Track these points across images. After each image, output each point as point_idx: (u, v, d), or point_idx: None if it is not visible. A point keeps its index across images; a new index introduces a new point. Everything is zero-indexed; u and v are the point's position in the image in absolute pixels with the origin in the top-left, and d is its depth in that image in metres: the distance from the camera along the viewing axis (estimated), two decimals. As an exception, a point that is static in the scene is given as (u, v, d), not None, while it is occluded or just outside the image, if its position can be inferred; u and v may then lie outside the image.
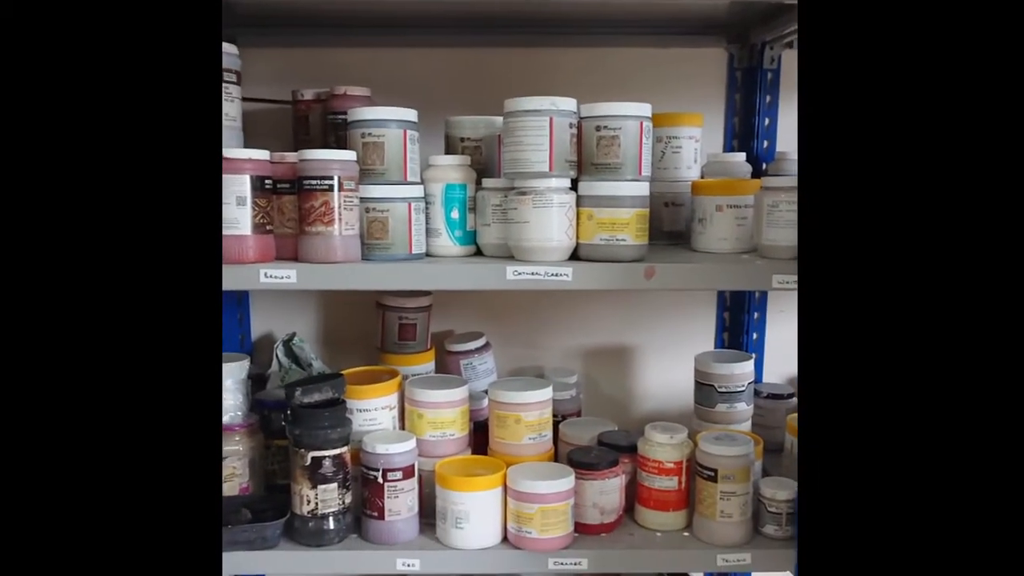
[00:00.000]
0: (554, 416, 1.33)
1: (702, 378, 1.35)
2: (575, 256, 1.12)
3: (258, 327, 1.55)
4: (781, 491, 1.19)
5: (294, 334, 1.45)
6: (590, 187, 1.10)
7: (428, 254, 1.17)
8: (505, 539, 1.19)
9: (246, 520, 1.19)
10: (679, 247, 1.27)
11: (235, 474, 1.24)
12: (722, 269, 1.11)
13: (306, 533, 1.17)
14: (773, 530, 1.20)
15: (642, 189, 1.10)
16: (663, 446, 1.21)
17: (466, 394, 1.26)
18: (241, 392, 1.26)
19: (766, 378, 1.55)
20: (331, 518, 1.17)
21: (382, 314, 1.41)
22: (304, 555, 1.17)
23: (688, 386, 1.42)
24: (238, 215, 1.06)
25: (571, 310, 1.55)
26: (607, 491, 1.21)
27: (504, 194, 1.14)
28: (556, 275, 1.08)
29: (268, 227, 1.10)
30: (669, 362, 1.56)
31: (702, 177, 1.32)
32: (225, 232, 1.06)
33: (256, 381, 1.41)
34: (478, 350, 1.45)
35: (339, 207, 1.08)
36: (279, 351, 1.44)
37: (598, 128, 1.11)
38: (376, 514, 1.18)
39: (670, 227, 1.30)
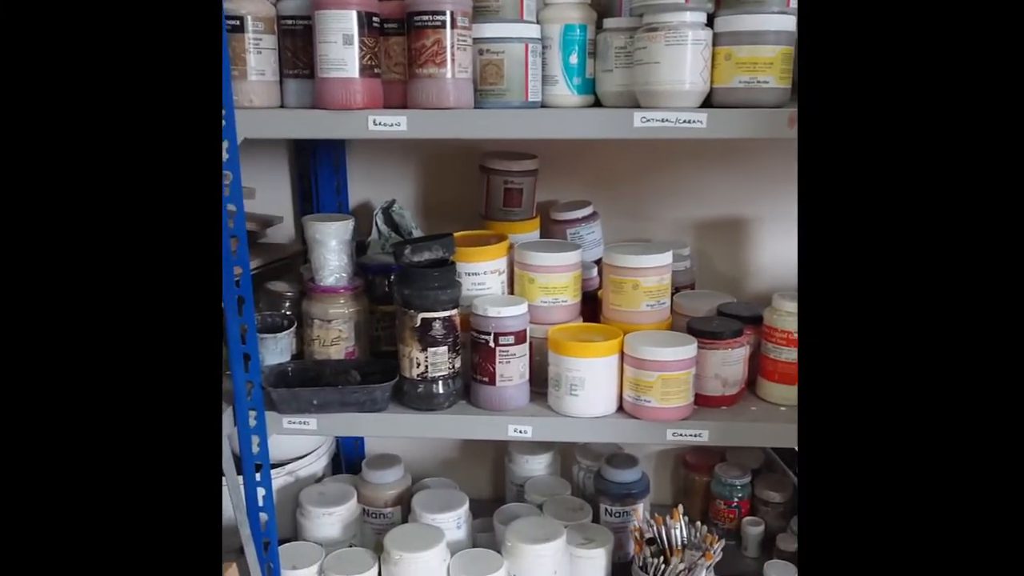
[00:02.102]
0: (668, 288, 1.25)
1: (832, 248, 1.25)
2: (707, 104, 1.02)
3: (356, 195, 1.49)
4: (923, 365, 1.10)
5: (394, 201, 1.39)
6: (729, 22, 0.99)
7: (544, 104, 1.08)
8: (621, 408, 1.14)
9: (355, 382, 1.16)
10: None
11: (341, 337, 1.21)
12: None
13: (415, 396, 1.14)
14: (911, 407, 1.11)
15: (789, 23, 0.98)
16: (793, 315, 1.13)
17: (579, 259, 1.19)
18: (346, 254, 1.21)
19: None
20: (440, 382, 1.14)
21: (487, 178, 1.34)
22: (414, 418, 1.15)
23: (808, 262, 1.32)
24: (345, 55, 0.99)
25: (681, 178, 1.45)
26: (730, 362, 1.14)
27: (629, 34, 1.03)
28: (689, 121, 0.98)
29: (376, 70, 1.02)
30: (788, 237, 1.45)
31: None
32: (331, 75, 1.00)
33: (356, 249, 1.37)
34: (585, 219, 1.37)
35: (452, 46, 0.99)
36: (378, 219, 1.39)
37: (740, -45, 0.98)
38: (487, 379, 1.14)
39: (806, 79, 1.17)
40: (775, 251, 1.47)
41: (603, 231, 1.41)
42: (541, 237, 1.37)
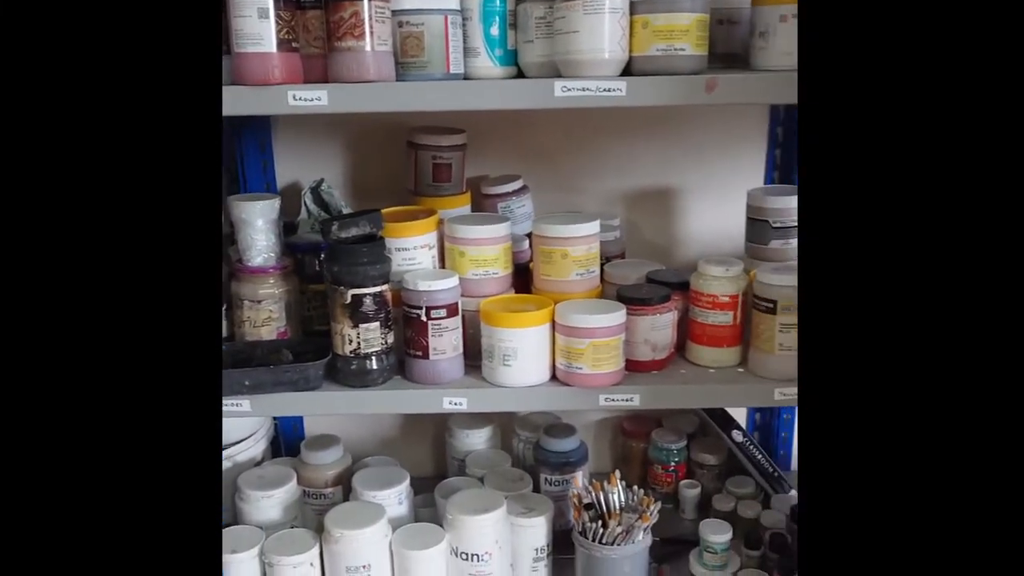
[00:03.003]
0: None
1: (755, 213, 1.28)
2: (627, 73, 1.03)
3: (283, 175, 1.47)
4: (842, 323, 1.13)
5: (322, 179, 1.38)
6: (645, -9, 1.00)
7: (466, 77, 1.08)
8: (554, 377, 1.16)
9: (287, 361, 1.15)
10: (735, 69, 1.17)
11: (272, 318, 1.20)
12: (788, 80, 1.01)
13: (349, 373, 1.14)
14: (832, 363, 1.15)
15: (703, -9, 1.00)
16: (718, 279, 1.16)
17: (508, 231, 1.20)
18: (273, 233, 1.20)
19: (818, 218, 1.47)
20: (374, 358, 1.13)
21: (415, 154, 1.33)
22: (349, 395, 1.14)
23: (735, 230, 1.35)
24: (260, 29, 0.97)
25: (611, 150, 1.46)
26: (659, 327, 1.16)
27: (548, 4, 1.04)
28: (609, 90, 0.99)
29: (294, 44, 1.01)
30: (715, 205, 1.48)
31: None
32: (247, 50, 0.98)
33: (285, 229, 1.35)
34: (516, 192, 1.38)
35: (370, 18, 0.98)
36: (307, 198, 1.37)
37: (653, -76, 1.00)
38: (420, 353, 1.14)
39: (724, 48, 1.20)
40: (703, 220, 1.50)
41: (534, 204, 1.42)
42: (472, 212, 1.38)
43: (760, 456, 1.45)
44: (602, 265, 1.29)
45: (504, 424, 1.54)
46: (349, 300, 1.10)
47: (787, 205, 1.25)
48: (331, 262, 1.11)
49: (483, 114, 1.40)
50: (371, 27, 0.99)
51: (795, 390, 1.11)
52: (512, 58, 1.10)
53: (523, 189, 1.39)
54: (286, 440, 1.57)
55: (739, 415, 1.61)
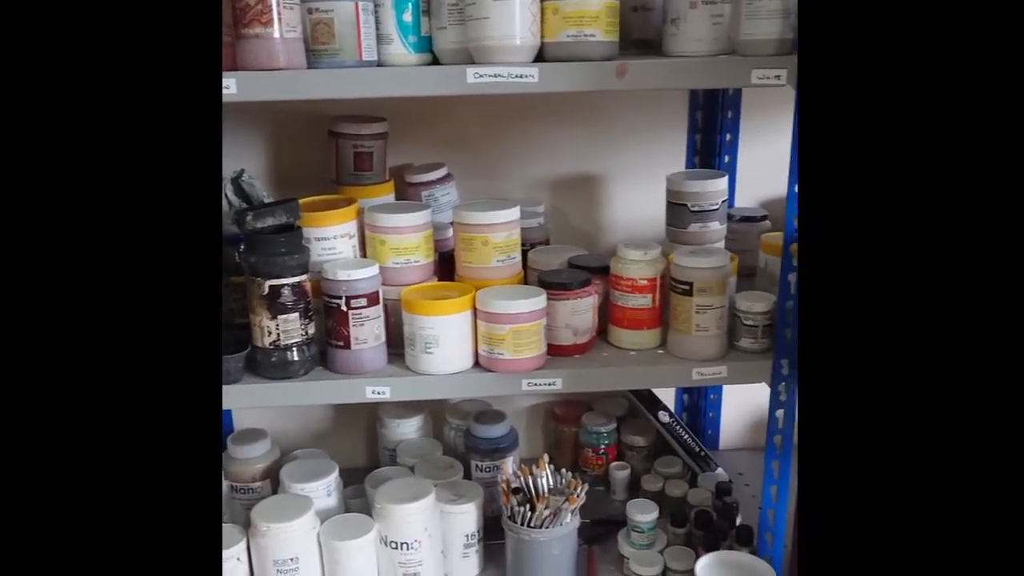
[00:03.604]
0: (523, 245, 1.28)
1: (674, 197, 1.30)
2: (540, 59, 1.04)
3: (203, 167, 1.44)
4: (757, 303, 1.16)
5: (243, 170, 1.35)
6: (555, -23, 1.00)
7: (380, 63, 1.08)
8: (477, 363, 1.16)
9: (204, 355, 1.13)
10: (649, 55, 1.18)
11: (189, 311, 1.18)
12: (698, 64, 1.04)
13: (269, 366, 1.13)
14: (749, 343, 1.18)
15: (612, -23, 1.01)
16: (636, 263, 1.17)
17: (429, 218, 1.20)
18: (188, 225, 1.17)
19: (739, 202, 1.51)
20: (294, 349, 1.13)
21: (335, 143, 1.32)
22: (269, 387, 1.13)
23: (658, 216, 1.37)
24: (165, 17, 0.95)
25: (534, 137, 1.47)
26: (579, 311, 1.18)
27: (460, -9, 1.04)
28: (521, 76, 1.00)
29: (200, 32, 0.99)
30: (638, 190, 1.50)
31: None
32: (152, 37, 0.96)
33: (206, 221, 1.33)
34: (440, 180, 1.38)
35: (277, 5, 0.97)
36: (228, 189, 1.35)
37: (561, -90, 1.00)
38: (342, 343, 1.13)
39: (639, 34, 1.21)
40: (627, 205, 1.52)
41: (460, 192, 1.42)
42: (397, 200, 1.37)
43: (686, 436, 1.48)
44: (526, 252, 1.30)
45: (436, 413, 1.54)
46: (266, 291, 1.09)
47: (705, 189, 1.27)
48: (248, 253, 1.10)
49: (406, 102, 1.39)
50: (279, 14, 0.97)
51: (712, 369, 1.14)
52: (427, 45, 1.09)
53: (447, 177, 1.39)
54: (214, 436, 1.54)
55: (668, 396, 1.64)
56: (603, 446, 1.53)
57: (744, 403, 1.64)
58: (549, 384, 1.14)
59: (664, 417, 1.47)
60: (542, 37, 1.02)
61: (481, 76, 1.00)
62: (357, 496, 1.39)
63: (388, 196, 1.35)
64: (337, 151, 1.32)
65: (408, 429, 1.50)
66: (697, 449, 1.49)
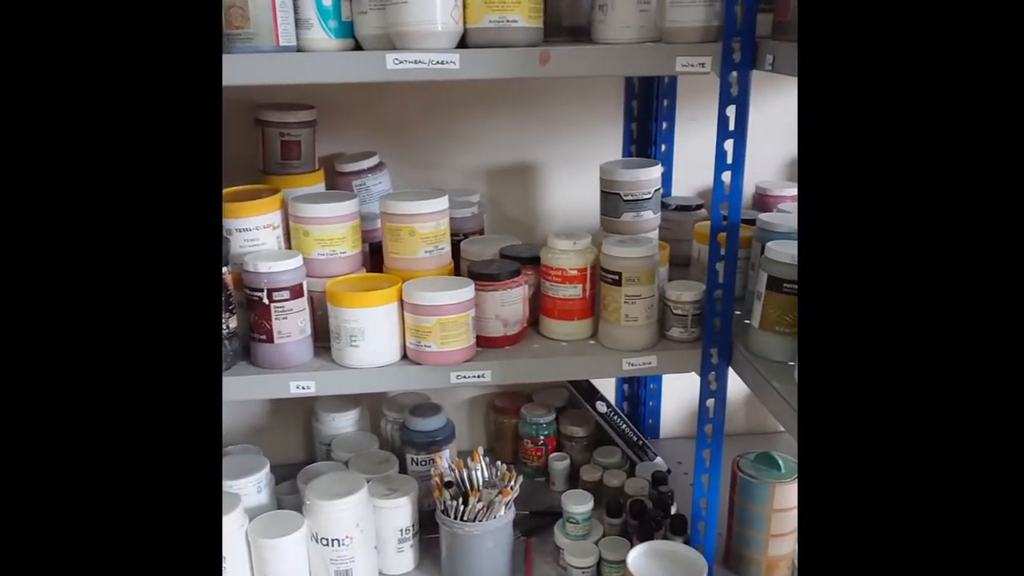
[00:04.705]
0: (456, 235, 1.26)
1: (607, 186, 1.29)
2: (463, 45, 1.02)
3: (127, 156, 1.40)
4: (687, 292, 1.16)
5: (167, 160, 1.31)
6: (475, -39, 0.98)
7: (300, 49, 1.05)
8: (405, 356, 1.14)
9: (121, 351, 1.10)
10: (580, 42, 1.17)
11: (107, 306, 1.14)
12: (623, 52, 1.02)
13: (189, 361, 1.09)
14: (679, 332, 1.17)
15: (533, -38, 0.99)
16: (566, 253, 1.16)
17: (356, 208, 1.17)
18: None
19: (675, 191, 1.50)
20: (215, 344, 1.09)
21: (262, 131, 1.29)
22: (189, 384, 1.10)
23: (595, 205, 1.36)
24: None
25: (470, 126, 1.45)
26: (509, 302, 1.16)
27: (380, -26, 1.01)
28: (442, 63, 0.98)
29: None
30: (575, 179, 1.49)
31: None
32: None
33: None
34: (371, 169, 1.35)
35: (186, -13, 0.93)
36: (152, 179, 1.31)
37: None
38: (264, 337, 1.11)
39: (569, 21, 1.20)
40: (563, 194, 1.51)
41: (394, 182, 1.40)
42: (327, 190, 1.34)
43: (624, 425, 1.48)
44: (459, 242, 1.28)
45: (373, 406, 1.52)
46: (184, 284, 1.06)
47: (637, 178, 1.26)
48: (163, 245, 1.06)
49: (336, 90, 1.36)
50: (189, -3, 0.94)
51: (642, 359, 1.14)
52: (349, 30, 1.06)
53: (379, 166, 1.37)
54: (144, 433, 1.51)
55: (609, 386, 1.64)
56: (543, 437, 1.53)
57: (683, 392, 1.64)
58: (478, 376, 1.13)
59: (602, 407, 1.47)
60: (464, 23, 1.00)
61: (401, 62, 0.97)
62: (291, 492, 1.36)
63: (318, 186, 1.32)
64: (264, 139, 1.29)
65: (344, 423, 1.48)
66: (635, 439, 1.48)
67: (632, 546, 1.22)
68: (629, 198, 1.27)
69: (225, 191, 1.17)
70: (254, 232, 1.14)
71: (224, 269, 1.09)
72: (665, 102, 1.43)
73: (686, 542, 1.24)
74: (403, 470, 1.38)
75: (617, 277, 1.13)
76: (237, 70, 0.97)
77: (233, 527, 1.18)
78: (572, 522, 1.30)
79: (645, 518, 1.28)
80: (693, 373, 1.19)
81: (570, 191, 1.50)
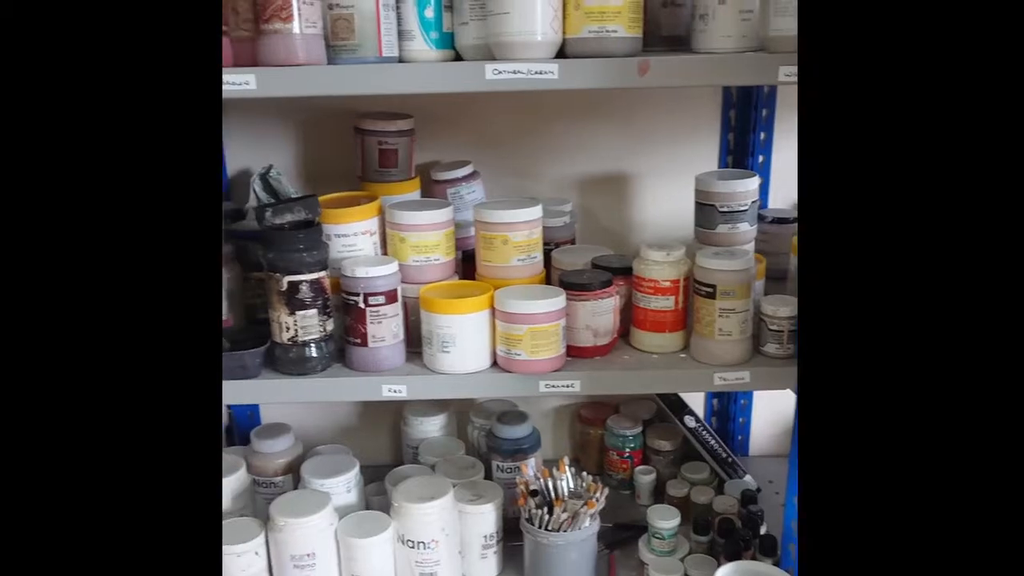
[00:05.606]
0: (547, 244, 1.26)
1: (703, 198, 1.27)
2: (562, 55, 1.02)
3: (235, 161, 1.46)
4: (783, 308, 1.13)
5: (271, 166, 1.36)
6: (576, -29, 0.98)
7: (402, 60, 1.07)
8: (495, 363, 1.15)
9: (225, 349, 1.14)
10: (678, 52, 1.16)
11: (212, 305, 1.19)
12: (724, 61, 1.01)
13: (287, 361, 1.13)
14: (774, 348, 1.14)
15: (635, -28, 0.99)
16: (659, 264, 1.15)
17: (450, 216, 1.19)
18: (212, 220, 1.18)
19: (772, 204, 1.47)
20: (312, 345, 1.13)
21: (361, 140, 1.32)
22: (287, 383, 1.13)
23: (689, 216, 1.34)
24: (186, 12, 0.96)
25: (564, 136, 1.45)
26: (600, 312, 1.15)
27: (482, -14, 1.02)
28: (541, 73, 0.98)
29: (223, 28, 0.99)
30: (669, 190, 1.47)
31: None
32: (173, 33, 0.96)
33: (234, 217, 1.34)
34: (465, 178, 1.36)
35: (297, 0, 0.97)
36: (256, 185, 1.36)
37: (585, -97, 0.98)
38: (359, 340, 1.13)
39: (669, 31, 1.18)
40: (657, 205, 1.49)
41: (488, 190, 1.41)
42: (422, 198, 1.37)
43: (713, 441, 1.45)
44: (551, 251, 1.28)
45: (460, 412, 1.54)
46: (285, 287, 1.09)
47: (734, 189, 1.24)
48: (267, 249, 1.10)
49: (433, 99, 1.39)
50: (299, 9, 0.97)
51: (735, 375, 1.11)
52: (449, 41, 1.08)
53: (473, 175, 1.38)
54: (240, 429, 1.56)
55: (697, 400, 1.61)
56: (628, 449, 1.51)
57: (775, 408, 1.60)
58: (567, 386, 1.12)
59: (691, 422, 1.44)
60: (564, 33, 1.01)
61: (500, 72, 0.98)
62: (379, 493, 1.39)
63: (414, 193, 1.35)
64: (363, 148, 1.32)
65: (431, 427, 1.50)
66: (724, 455, 1.45)
67: (719, 565, 1.19)
68: (725, 210, 1.25)
69: (324, 197, 1.20)
70: (352, 238, 1.17)
71: (323, 273, 1.12)
72: (764, 112, 1.40)
73: (776, 563, 1.21)
74: (488, 476, 1.38)
75: (711, 290, 1.11)
76: (342, 80, 0.99)
77: (323, 525, 1.21)
78: (658, 537, 1.28)
79: (734, 537, 1.25)
80: (788, 390, 1.16)
81: (662, 201, 1.48)
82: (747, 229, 1.27)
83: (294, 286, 1.09)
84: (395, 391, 1.13)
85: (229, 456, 1.37)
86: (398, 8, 1.05)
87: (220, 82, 0.88)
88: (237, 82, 0.98)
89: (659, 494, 1.47)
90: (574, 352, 1.16)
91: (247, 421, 1.57)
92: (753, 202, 1.26)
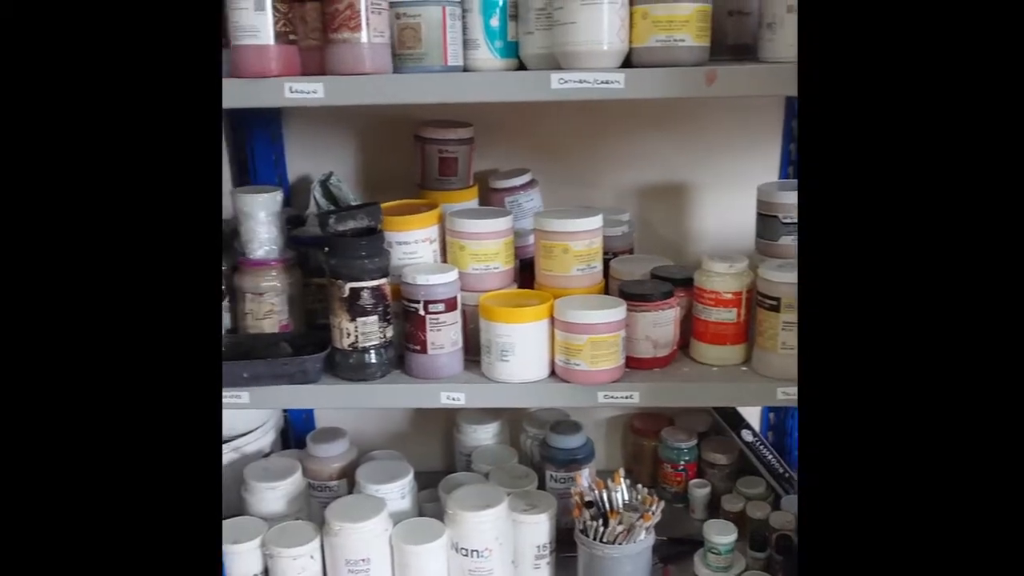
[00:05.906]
0: (606, 254, 1.25)
1: (765, 209, 1.25)
2: (628, 64, 1.02)
3: (295, 168, 1.48)
4: (850, 322, 1.10)
5: (331, 173, 1.38)
6: (644, -19, 0.98)
7: (466, 69, 1.07)
8: (553, 373, 1.14)
9: (286, 354, 1.15)
10: (744, 61, 1.14)
11: (274, 310, 1.20)
12: (791, 71, 0.99)
13: (347, 367, 1.14)
14: (839, 364, 1.12)
15: (704, -19, 0.98)
16: (721, 276, 1.13)
17: (510, 224, 1.19)
18: (275, 226, 1.20)
19: (834, 215, 1.44)
20: (372, 352, 1.13)
21: (421, 147, 1.33)
22: (347, 389, 1.14)
23: (749, 227, 1.32)
24: (257, 22, 0.97)
25: (623, 145, 1.44)
26: (660, 323, 1.14)
27: (548, -5, 1.02)
28: (607, 82, 0.98)
29: (291, 36, 1.01)
30: (729, 200, 1.45)
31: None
32: (244, 42, 0.98)
33: (294, 223, 1.36)
34: (524, 186, 1.36)
35: (366, 10, 0.98)
36: (316, 192, 1.37)
37: (654, -88, 0.98)
38: (419, 348, 1.14)
39: (735, 40, 1.17)
40: (717, 215, 1.47)
41: (545, 199, 1.41)
42: (481, 206, 1.37)
43: (770, 456, 1.42)
44: (609, 261, 1.27)
45: (513, 420, 1.53)
46: (347, 293, 1.10)
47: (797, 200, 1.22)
48: (329, 255, 1.11)
49: (493, 108, 1.39)
50: (367, 19, 0.98)
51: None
52: (514, 50, 1.08)
53: (531, 183, 1.38)
54: (296, 432, 1.58)
55: (753, 414, 1.58)
56: (683, 462, 1.49)
57: (835, 425, 1.56)
58: (626, 397, 1.11)
59: (747, 436, 1.42)
60: (631, 42, 1.00)
61: (566, 82, 0.98)
62: (432, 500, 1.39)
63: (472, 201, 1.35)
64: (423, 155, 1.33)
65: (485, 435, 1.49)
66: (781, 470, 1.43)
67: (778, 584, 1.17)
68: (788, 221, 1.23)
69: (386, 205, 1.21)
70: (413, 245, 1.18)
71: (384, 280, 1.12)
72: (828, 122, 1.38)
73: (837, 585, 1.18)
74: (541, 486, 1.38)
75: (775, 303, 1.09)
76: (409, 89, 1.00)
77: (378, 531, 1.22)
78: (714, 553, 1.26)
79: (792, 554, 1.23)
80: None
81: (722, 212, 1.46)
82: (810, 241, 1.24)
83: (356, 292, 1.10)
84: (453, 399, 1.13)
85: (286, 459, 1.38)
86: (464, 18, 1.05)
87: (220, 85, 0.88)
88: (306, 90, 0.99)
89: (713, 508, 1.45)
90: (633, 363, 1.15)
91: (303, 424, 1.59)
92: (817, 214, 1.24)
